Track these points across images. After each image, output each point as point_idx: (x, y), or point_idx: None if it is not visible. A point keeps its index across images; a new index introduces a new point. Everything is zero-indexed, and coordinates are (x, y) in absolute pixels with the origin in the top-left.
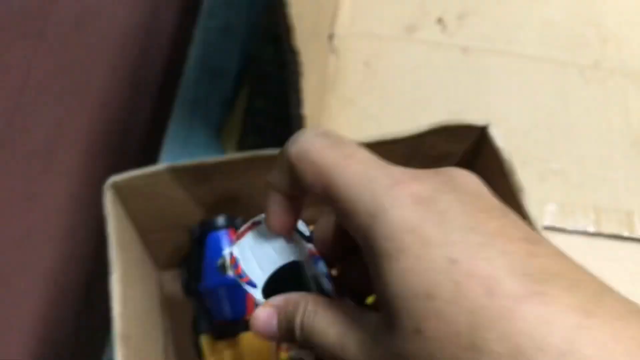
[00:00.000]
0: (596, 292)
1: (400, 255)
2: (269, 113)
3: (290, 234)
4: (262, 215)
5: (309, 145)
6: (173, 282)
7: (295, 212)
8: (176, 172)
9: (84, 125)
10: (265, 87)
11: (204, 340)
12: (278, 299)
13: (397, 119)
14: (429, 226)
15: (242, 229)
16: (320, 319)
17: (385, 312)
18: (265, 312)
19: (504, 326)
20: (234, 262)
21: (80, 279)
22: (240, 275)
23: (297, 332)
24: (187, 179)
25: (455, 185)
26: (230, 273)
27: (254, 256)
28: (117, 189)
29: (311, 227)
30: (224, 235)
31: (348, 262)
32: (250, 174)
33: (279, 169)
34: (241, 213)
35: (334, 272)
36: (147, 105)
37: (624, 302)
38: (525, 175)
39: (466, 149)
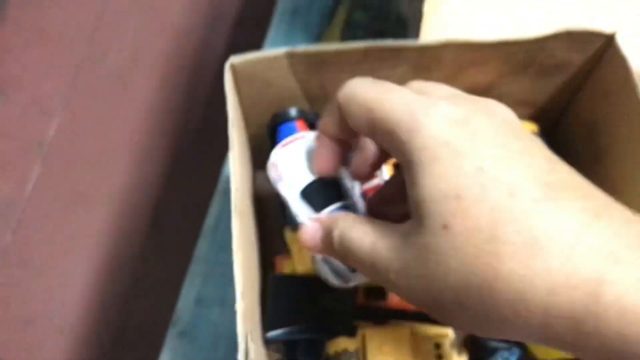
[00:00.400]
0: (606, 203)
1: (434, 163)
2: (368, 27)
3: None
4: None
5: (355, 87)
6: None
7: (341, 156)
8: (294, 58)
9: (159, 52)
10: (365, 1)
11: (288, 231)
12: (322, 216)
13: (518, 23)
14: (461, 141)
15: (291, 138)
16: (356, 232)
17: (416, 215)
18: (311, 227)
19: (522, 221)
20: (275, 165)
21: (149, 202)
22: (280, 176)
23: (336, 244)
24: (302, 67)
25: (488, 112)
26: (272, 174)
27: (298, 162)
28: (234, 72)
29: None
30: (293, 127)
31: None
32: (363, 67)
33: (328, 113)
34: None
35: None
36: (227, 31)
37: (630, 212)
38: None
39: (587, 59)
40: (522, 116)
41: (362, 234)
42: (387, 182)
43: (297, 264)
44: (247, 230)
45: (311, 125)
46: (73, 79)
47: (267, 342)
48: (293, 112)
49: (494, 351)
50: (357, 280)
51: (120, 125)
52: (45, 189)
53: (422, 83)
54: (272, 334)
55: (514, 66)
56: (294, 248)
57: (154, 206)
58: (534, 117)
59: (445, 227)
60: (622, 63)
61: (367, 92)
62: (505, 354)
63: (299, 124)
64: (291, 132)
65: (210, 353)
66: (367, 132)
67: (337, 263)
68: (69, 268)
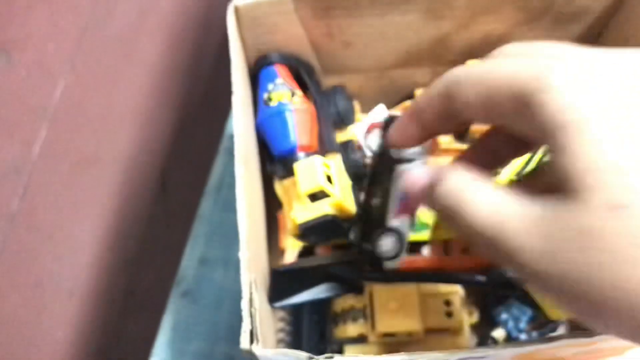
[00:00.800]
0: None
1: (596, 125)
2: None
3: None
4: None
5: (463, 67)
6: None
7: (421, 138)
8: (300, 1)
9: (166, 13)
10: None
11: (276, 182)
12: (433, 167)
13: None
14: (625, 101)
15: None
16: (474, 192)
17: (571, 188)
18: (417, 173)
19: None
20: None
21: (157, 164)
22: None
23: (441, 200)
24: (309, 11)
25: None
26: None
27: None
28: (238, 15)
29: None
30: (273, 70)
31: None
32: (372, 13)
33: (429, 94)
34: (352, 61)
35: None
36: None
37: None
38: None
39: (607, 6)
40: None
41: (483, 197)
42: (473, 149)
43: (292, 213)
44: (252, 180)
45: (299, 76)
46: (78, 40)
47: (273, 300)
48: (274, 56)
49: (506, 310)
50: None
51: (126, 87)
52: (52, 153)
53: (521, 45)
54: (279, 303)
55: (529, 13)
56: (284, 200)
57: (161, 169)
58: None
59: (615, 207)
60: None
61: (479, 66)
62: (517, 312)
63: (279, 69)
64: (271, 77)
65: (213, 313)
66: (480, 108)
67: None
68: (77, 232)
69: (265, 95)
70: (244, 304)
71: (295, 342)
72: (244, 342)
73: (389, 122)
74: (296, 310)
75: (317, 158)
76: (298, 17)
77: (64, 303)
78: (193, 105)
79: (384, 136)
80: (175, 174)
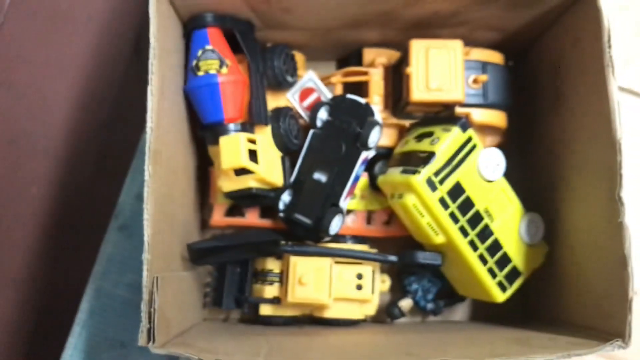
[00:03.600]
0: None
1: None
2: None
3: None
4: None
5: None
6: None
7: None
8: None
9: None
10: None
11: (209, 147)
12: None
13: None
14: None
15: None
16: None
17: None
18: None
19: None
20: None
21: (131, 27)
22: None
23: None
24: None
25: None
26: None
27: None
28: None
29: None
30: (204, 34)
31: None
32: None
33: None
34: (295, 22)
35: None
36: None
37: None
38: (619, 23)
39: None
40: (490, 41)
41: None
42: None
43: (218, 179)
44: (168, 172)
45: (232, 36)
46: None
47: (195, 260)
48: (206, 17)
49: (417, 280)
50: None
51: None
52: (24, 6)
53: None
54: (197, 244)
55: None
56: (215, 162)
57: (135, 33)
58: (503, 44)
59: None
60: (595, 14)
61: None
62: (427, 284)
63: (211, 33)
64: (201, 42)
65: None
66: None
67: None
68: (50, 91)
69: (194, 62)
70: (143, 305)
71: (217, 296)
72: (142, 341)
73: (338, 100)
74: (220, 265)
75: (242, 135)
76: None
77: (39, 161)
78: None
79: (332, 115)
80: (132, 99)
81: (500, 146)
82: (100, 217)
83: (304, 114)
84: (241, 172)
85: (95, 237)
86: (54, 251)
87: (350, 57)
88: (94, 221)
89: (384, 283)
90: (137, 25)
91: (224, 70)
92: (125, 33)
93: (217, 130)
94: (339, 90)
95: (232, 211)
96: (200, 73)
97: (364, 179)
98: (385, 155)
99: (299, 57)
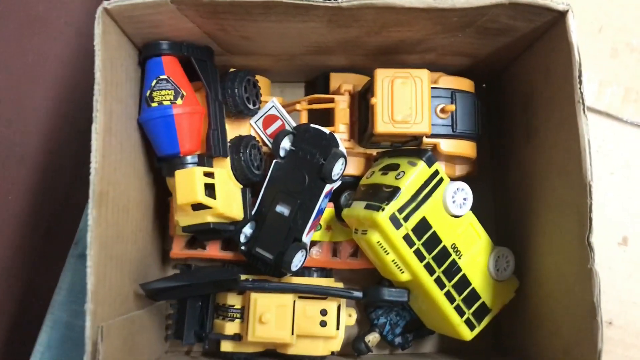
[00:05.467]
0: None
1: None
2: None
3: None
4: None
5: None
6: None
7: None
8: (182, 5)
9: None
10: None
11: (167, 179)
12: None
13: None
14: None
15: None
16: None
17: None
18: None
19: None
20: None
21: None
22: None
23: None
24: (193, 13)
25: None
26: None
27: None
28: (114, 15)
29: None
30: (158, 63)
31: None
32: (269, 19)
33: None
34: (257, 49)
35: None
36: None
37: None
38: (596, 44)
39: (534, 28)
40: (461, 67)
41: None
42: None
43: (175, 214)
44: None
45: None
46: None
47: (152, 297)
48: (161, 45)
49: (385, 314)
50: None
51: None
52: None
53: None
54: (150, 284)
55: (447, 27)
56: (173, 193)
57: None
58: (474, 69)
59: None
60: (566, 47)
61: None
62: (395, 318)
63: (166, 61)
64: (155, 72)
65: None
66: None
67: None
68: (26, 96)
69: (148, 92)
70: (86, 358)
71: (178, 330)
72: None
73: (302, 129)
74: (181, 298)
75: (198, 170)
76: (184, 15)
77: (16, 168)
78: None
79: (296, 145)
80: None
81: (470, 176)
82: (76, 226)
83: (267, 141)
84: (198, 206)
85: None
86: (29, 259)
87: (317, 80)
88: (70, 233)
89: (350, 317)
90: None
91: (179, 101)
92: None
93: (172, 163)
94: (304, 117)
95: (192, 243)
96: (154, 104)
97: (329, 209)
98: (352, 184)
99: (263, 81)
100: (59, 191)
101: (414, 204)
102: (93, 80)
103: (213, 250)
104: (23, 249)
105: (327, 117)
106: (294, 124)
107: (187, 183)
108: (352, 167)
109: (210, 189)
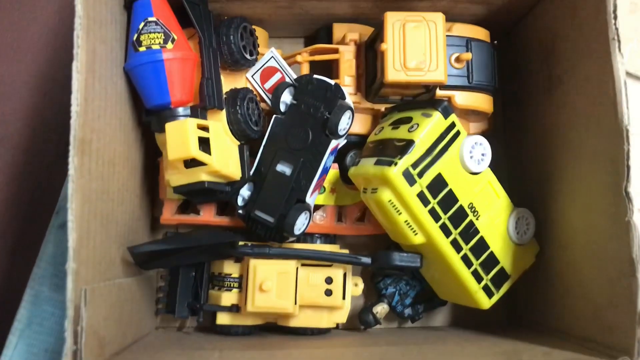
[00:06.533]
0: None
1: None
2: None
3: None
4: None
5: None
6: None
7: None
8: None
9: None
10: None
11: (156, 135)
12: None
13: None
14: None
15: None
16: None
17: None
18: None
19: None
20: None
21: None
22: None
23: None
24: None
25: None
26: None
27: None
28: None
29: None
30: (147, 3)
31: None
32: None
33: None
34: None
35: None
36: None
37: None
38: None
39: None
40: (475, 16)
41: None
42: None
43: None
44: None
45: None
46: None
47: (142, 264)
48: None
49: (394, 284)
50: None
51: None
52: None
53: None
54: (139, 247)
55: None
56: (163, 152)
57: None
58: (488, 19)
59: None
60: None
61: None
62: (405, 287)
63: (155, 2)
64: (143, 13)
65: None
66: None
67: None
68: (7, 74)
69: (135, 36)
70: (67, 323)
71: (170, 303)
72: None
73: (304, 81)
74: (173, 268)
75: (191, 121)
76: None
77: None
78: None
79: (297, 98)
80: None
81: (485, 134)
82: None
83: (265, 96)
84: (191, 163)
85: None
86: (10, 246)
87: (318, 33)
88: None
89: (356, 287)
90: None
91: (170, 45)
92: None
93: (163, 115)
94: (305, 70)
95: (184, 207)
96: (142, 49)
97: (334, 170)
98: (357, 144)
99: (260, 33)
100: (42, 172)
101: (429, 159)
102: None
103: (207, 215)
104: (2, 232)
105: (330, 70)
106: (295, 77)
107: (180, 136)
108: (358, 125)
109: (204, 144)
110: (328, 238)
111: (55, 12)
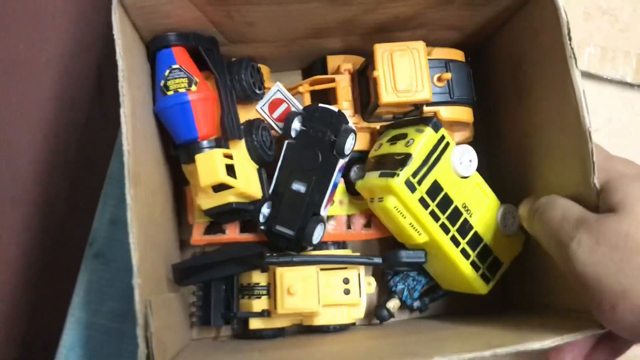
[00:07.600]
0: None
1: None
2: None
3: None
4: None
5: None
6: None
7: None
8: None
9: None
10: None
11: (183, 166)
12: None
13: None
14: None
15: None
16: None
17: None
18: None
19: None
20: None
21: (90, 66)
22: None
23: (535, 211)
24: (203, 0)
25: None
26: None
27: None
28: (127, 6)
29: None
30: (169, 53)
31: None
32: (272, 2)
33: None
34: (258, 35)
35: None
36: None
37: None
38: (569, 11)
39: None
40: (450, 40)
41: (557, 208)
42: None
43: (197, 197)
44: (147, 193)
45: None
46: None
47: (179, 281)
48: (170, 37)
49: (402, 280)
50: None
51: None
52: None
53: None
54: (181, 264)
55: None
56: (190, 181)
57: (96, 73)
58: (462, 42)
59: None
60: (553, 9)
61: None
62: (412, 282)
63: (176, 52)
64: (167, 62)
65: (125, 274)
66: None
67: None
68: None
69: (162, 82)
70: (139, 330)
71: (204, 315)
72: None
73: (310, 110)
74: (205, 283)
75: (218, 151)
76: (192, 3)
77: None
78: None
79: (306, 124)
80: (112, 77)
81: (468, 141)
82: (77, 251)
83: (275, 125)
84: (219, 188)
85: (74, 271)
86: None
87: (314, 65)
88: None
89: (370, 285)
90: (97, 65)
91: (194, 87)
92: (86, 74)
93: (191, 148)
94: (307, 99)
95: (211, 229)
96: (170, 92)
97: (341, 185)
98: (359, 159)
99: (263, 69)
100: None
101: (425, 168)
102: (79, 113)
103: (233, 233)
104: (24, 286)
105: (328, 97)
106: (300, 106)
107: (209, 165)
108: (359, 142)
109: (229, 170)
110: (340, 245)
111: (54, 74)
